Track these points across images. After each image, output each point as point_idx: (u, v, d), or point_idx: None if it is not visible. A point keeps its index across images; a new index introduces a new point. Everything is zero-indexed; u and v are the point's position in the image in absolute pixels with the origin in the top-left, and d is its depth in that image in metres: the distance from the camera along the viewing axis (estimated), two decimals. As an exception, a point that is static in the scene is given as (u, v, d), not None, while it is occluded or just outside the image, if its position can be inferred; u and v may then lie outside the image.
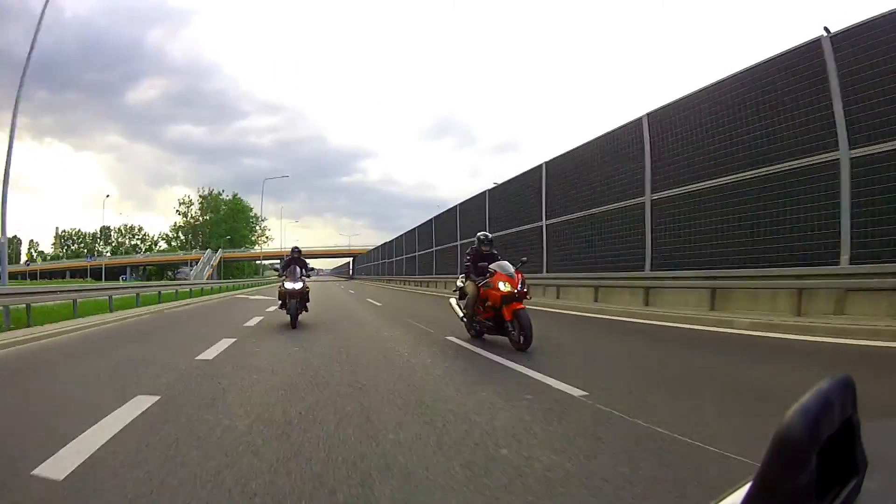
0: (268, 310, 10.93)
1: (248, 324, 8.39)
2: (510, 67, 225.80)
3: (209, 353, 5.31)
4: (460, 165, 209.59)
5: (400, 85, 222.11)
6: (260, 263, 52.97)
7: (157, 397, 3.39)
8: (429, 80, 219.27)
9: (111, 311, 10.96)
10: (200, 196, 63.54)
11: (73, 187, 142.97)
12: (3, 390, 4.14)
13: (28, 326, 7.93)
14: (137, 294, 13.44)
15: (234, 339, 6.42)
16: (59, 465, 2.17)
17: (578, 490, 1.92)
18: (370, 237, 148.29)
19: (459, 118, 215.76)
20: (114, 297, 11.81)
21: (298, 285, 7.66)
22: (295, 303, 7.51)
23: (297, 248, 8.39)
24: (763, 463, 0.36)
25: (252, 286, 33.26)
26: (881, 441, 0.50)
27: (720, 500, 0.47)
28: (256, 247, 57.94)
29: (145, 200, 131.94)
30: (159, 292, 15.41)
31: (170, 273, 53.07)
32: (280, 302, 7.95)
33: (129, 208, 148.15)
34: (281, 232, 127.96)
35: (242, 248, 56.50)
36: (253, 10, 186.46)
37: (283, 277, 8.02)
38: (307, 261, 8.51)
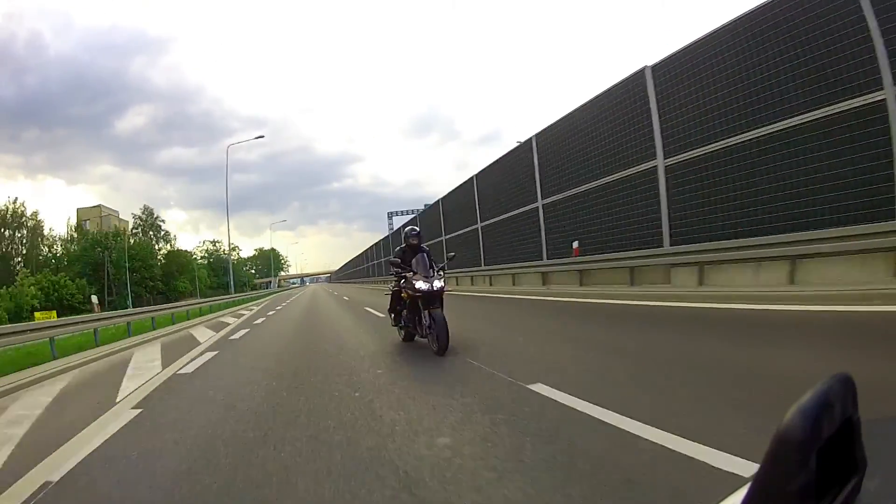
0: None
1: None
2: (488, 59, 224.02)
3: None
4: (447, 160, 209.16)
5: (380, 87, 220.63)
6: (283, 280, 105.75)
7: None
8: (407, 79, 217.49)
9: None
10: (255, 250, 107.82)
11: (70, 221, 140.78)
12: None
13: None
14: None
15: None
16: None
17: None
18: (365, 239, 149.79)
19: (441, 114, 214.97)
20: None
21: (438, 284, 4.69)
22: (439, 315, 4.51)
23: (414, 229, 5.46)
24: (763, 463, 0.35)
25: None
26: (881, 441, 0.48)
27: (720, 501, 0.46)
28: (282, 272, 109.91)
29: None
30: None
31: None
32: (393, 315, 5.45)
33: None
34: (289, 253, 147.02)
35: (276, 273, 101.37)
36: (229, 28, 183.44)
37: (409, 274, 4.87)
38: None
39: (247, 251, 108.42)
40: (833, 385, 0.39)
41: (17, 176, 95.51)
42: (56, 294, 39.60)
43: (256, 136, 28.97)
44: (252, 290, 60.55)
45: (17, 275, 40.66)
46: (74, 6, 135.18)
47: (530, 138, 12.65)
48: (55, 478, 2.38)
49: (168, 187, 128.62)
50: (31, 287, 38.59)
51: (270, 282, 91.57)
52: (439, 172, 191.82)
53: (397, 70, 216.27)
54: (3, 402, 4.62)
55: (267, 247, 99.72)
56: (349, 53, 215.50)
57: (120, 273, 44.79)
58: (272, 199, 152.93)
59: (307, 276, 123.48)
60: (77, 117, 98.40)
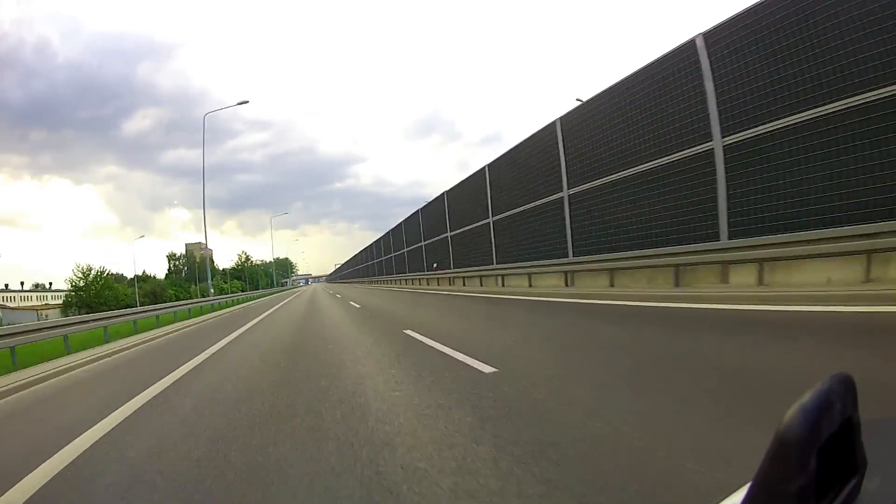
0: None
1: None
2: (490, 63, 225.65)
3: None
4: (448, 160, 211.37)
5: (384, 89, 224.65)
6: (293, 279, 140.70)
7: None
8: (410, 81, 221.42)
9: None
10: (273, 259, 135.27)
11: (75, 220, 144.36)
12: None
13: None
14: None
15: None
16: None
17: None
18: (366, 238, 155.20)
19: (443, 116, 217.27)
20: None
21: None
22: None
23: None
24: (763, 463, 0.36)
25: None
26: (881, 441, 0.50)
27: (720, 501, 0.48)
28: (294, 274, 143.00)
29: (144, 225, 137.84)
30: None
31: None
32: None
33: (129, 234, 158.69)
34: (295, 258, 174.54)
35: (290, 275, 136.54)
36: (235, 34, 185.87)
37: None
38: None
39: (240, 249, 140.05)
40: (833, 385, 0.39)
41: (23, 176, 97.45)
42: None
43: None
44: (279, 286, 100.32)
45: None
46: (83, 12, 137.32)
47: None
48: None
49: (172, 187, 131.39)
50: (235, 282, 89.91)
51: (287, 281, 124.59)
52: (441, 173, 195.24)
53: (401, 73, 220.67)
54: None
55: (267, 244, 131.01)
56: (354, 58, 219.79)
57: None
58: (276, 198, 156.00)
59: (312, 277, 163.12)
60: (85, 119, 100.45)
